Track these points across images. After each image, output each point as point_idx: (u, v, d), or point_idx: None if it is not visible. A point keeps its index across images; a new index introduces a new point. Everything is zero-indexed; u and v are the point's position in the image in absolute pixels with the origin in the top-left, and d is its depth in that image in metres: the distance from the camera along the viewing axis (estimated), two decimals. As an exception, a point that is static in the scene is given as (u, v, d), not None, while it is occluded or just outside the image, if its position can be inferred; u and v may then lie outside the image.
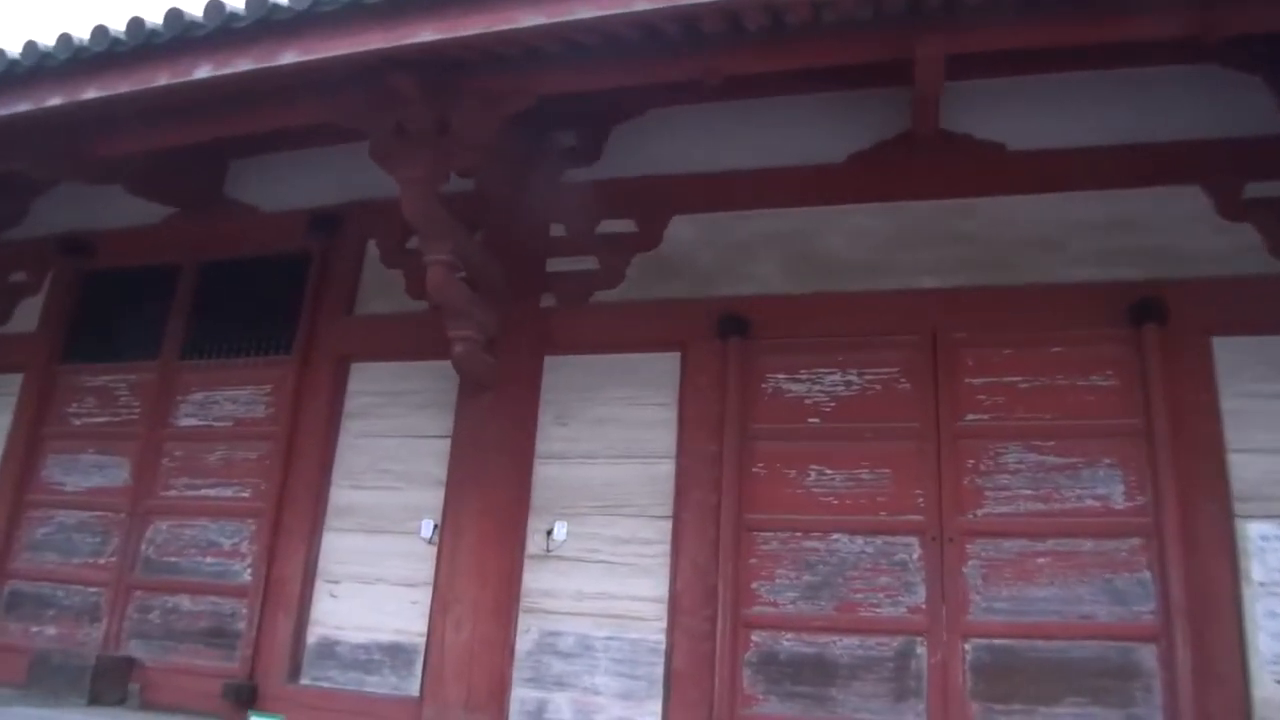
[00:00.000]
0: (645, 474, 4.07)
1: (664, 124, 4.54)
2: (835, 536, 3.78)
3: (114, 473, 4.89)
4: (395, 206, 4.65)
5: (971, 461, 3.74)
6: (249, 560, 4.45)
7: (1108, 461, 3.67)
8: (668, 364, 4.18)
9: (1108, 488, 3.65)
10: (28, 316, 5.49)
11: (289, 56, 3.33)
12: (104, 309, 5.32)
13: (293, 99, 3.79)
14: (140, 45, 3.53)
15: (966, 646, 3.55)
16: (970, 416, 3.80)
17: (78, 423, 5.10)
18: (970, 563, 3.64)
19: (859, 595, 3.69)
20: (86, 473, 4.96)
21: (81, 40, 3.66)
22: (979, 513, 3.69)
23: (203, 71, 3.45)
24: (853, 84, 4.24)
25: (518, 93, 3.71)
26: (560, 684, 3.91)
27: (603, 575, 3.99)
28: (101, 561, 4.74)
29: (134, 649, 4.51)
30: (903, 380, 3.91)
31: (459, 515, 4.12)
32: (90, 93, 3.63)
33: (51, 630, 4.72)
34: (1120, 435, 3.68)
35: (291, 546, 4.36)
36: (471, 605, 3.97)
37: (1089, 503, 3.64)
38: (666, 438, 4.09)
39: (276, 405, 4.65)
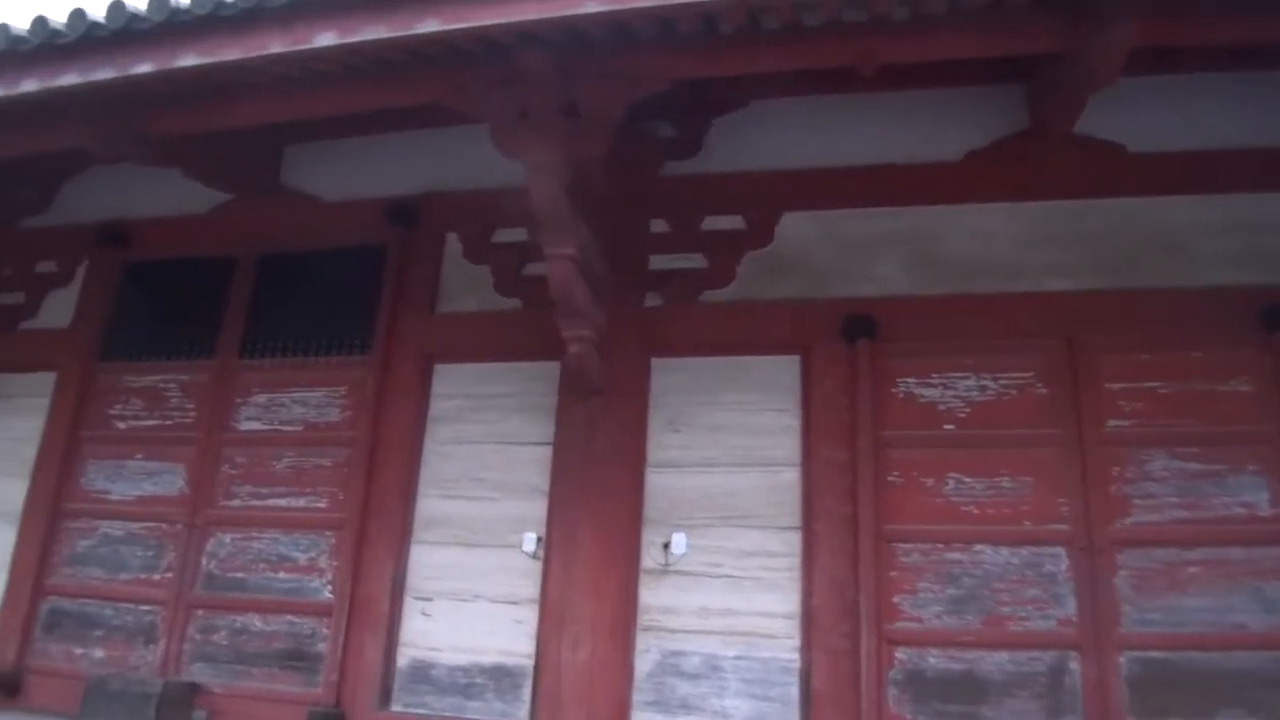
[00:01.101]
0: (767, 483, 3.87)
1: (768, 117, 4.35)
2: (979, 547, 3.62)
3: (167, 480, 4.50)
4: (478, 198, 4.50)
5: (1117, 469, 3.62)
6: (328, 576, 4.12)
7: (1252, 468, 3.58)
8: (786, 367, 3.99)
9: (1253, 494, 3.56)
10: (59, 310, 5.04)
11: (430, 25, 3.04)
12: (147, 303, 4.91)
13: (404, 77, 3.51)
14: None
15: (1121, 659, 3.43)
16: (1112, 423, 3.68)
17: (122, 426, 4.69)
18: (1120, 573, 3.51)
19: (1006, 609, 3.54)
20: (134, 480, 4.55)
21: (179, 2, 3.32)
22: (1127, 521, 3.57)
23: (326, 39, 3.15)
24: (969, 81, 4.14)
25: (650, 75, 3.48)
26: (686, 707, 3.67)
27: (728, 590, 3.77)
28: (156, 577, 4.35)
29: (198, 673, 4.13)
30: (1039, 385, 3.77)
31: (569, 527, 3.86)
32: (189, 59, 3.30)
33: (99, 653, 4.31)
34: (1261, 442, 3.61)
35: (377, 561, 4.04)
36: (590, 624, 3.71)
37: (1236, 510, 3.55)
38: (788, 444, 3.89)
39: (354, 409, 4.32)
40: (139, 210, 5.08)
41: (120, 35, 3.41)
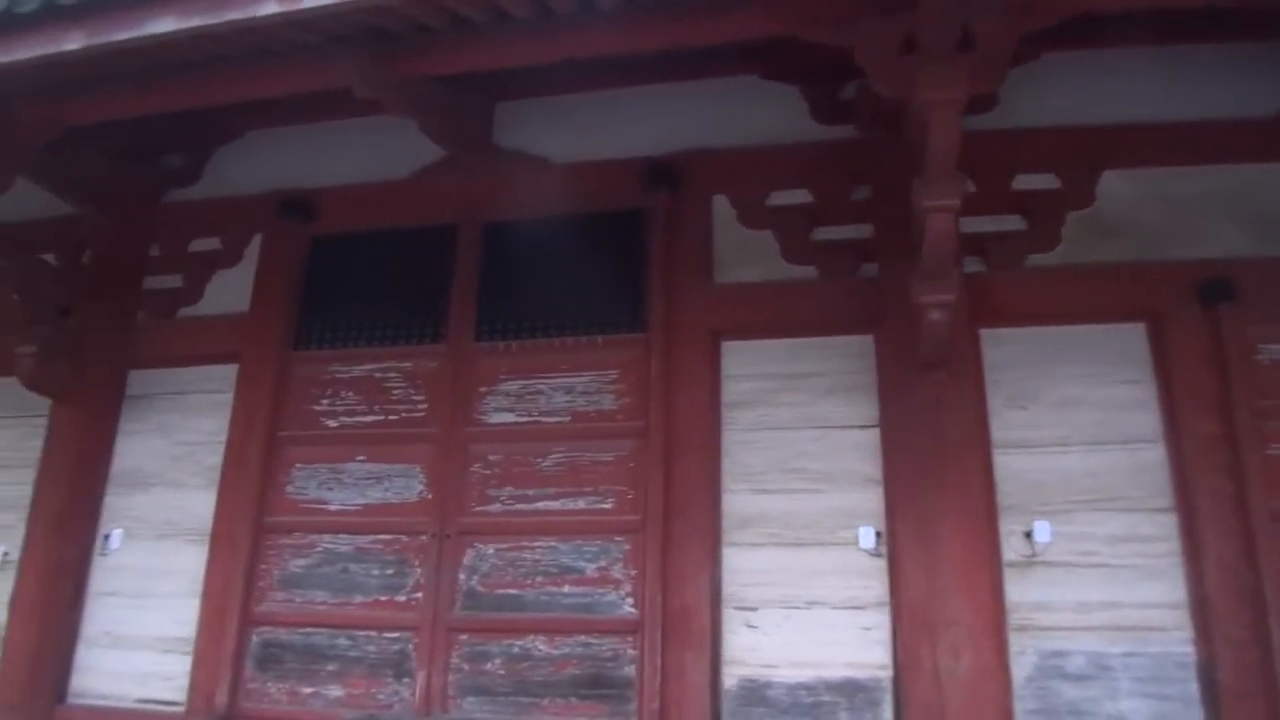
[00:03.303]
0: (1130, 461, 3.49)
1: (1063, 70, 4.02)
2: (1381, 523, 3.34)
3: (401, 484, 3.86)
4: (748, 156, 4.03)
5: None
6: (627, 588, 3.56)
7: None
8: (1131, 335, 3.63)
9: None
10: (229, 294, 4.35)
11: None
12: (346, 282, 4.25)
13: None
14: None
15: None
16: None
17: (333, 424, 4.02)
18: None
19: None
20: (358, 486, 3.90)
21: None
22: None
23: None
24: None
25: (1045, 6, 3.11)
26: (1076, 713, 3.25)
27: (1104, 581, 3.37)
28: (401, 599, 3.71)
29: (471, 708, 3.52)
30: None
31: (921, 520, 3.40)
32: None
33: (335, 690, 3.65)
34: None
35: (688, 568, 3.51)
36: (967, 627, 3.27)
37: None
38: (1147, 419, 3.53)
39: (632, 394, 3.78)
40: (316, 179, 4.42)
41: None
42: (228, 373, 4.20)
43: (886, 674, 3.36)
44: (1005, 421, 3.58)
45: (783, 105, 4.09)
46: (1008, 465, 3.53)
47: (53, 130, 3.81)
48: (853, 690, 3.37)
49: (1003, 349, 3.67)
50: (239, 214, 4.45)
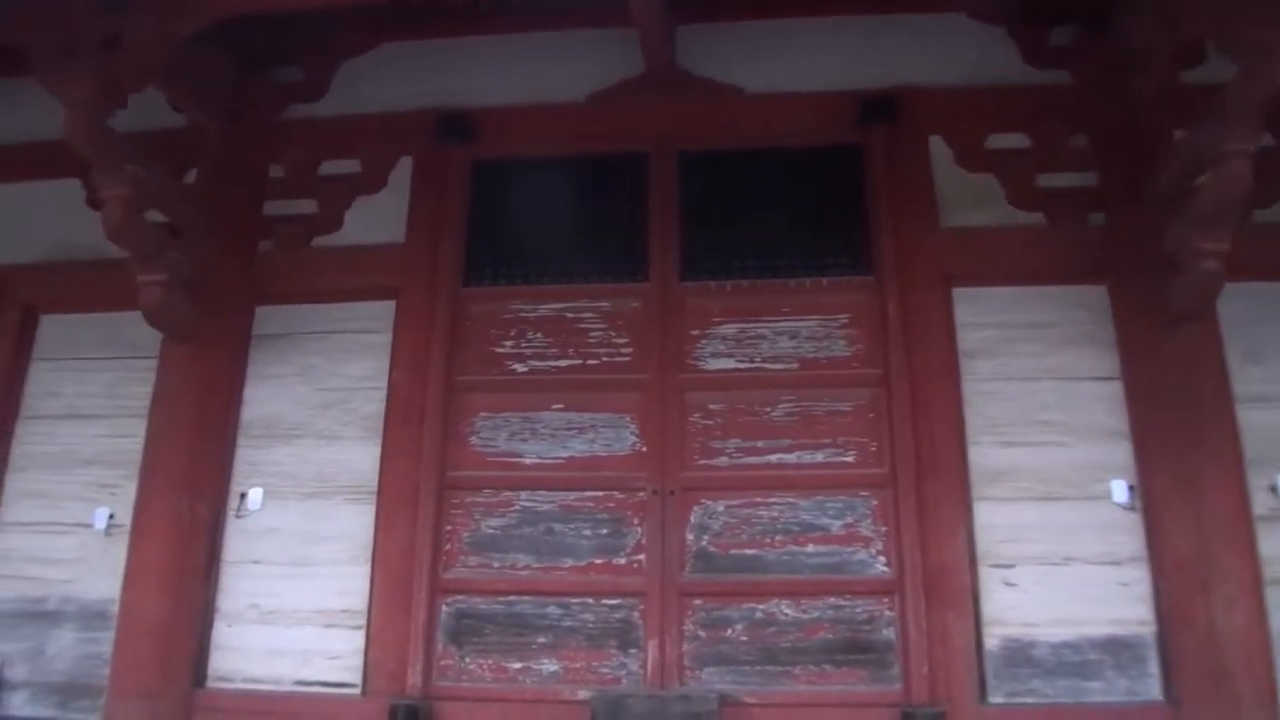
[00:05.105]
0: (1369, 413, 3.52)
1: None
2: None
3: (608, 436, 3.48)
4: (967, 96, 3.82)
5: None
6: (877, 545, 3.31)
7: None
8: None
9: None
10: (374, 222, 3.83)
11: None
12: (517, 211, 3.80)
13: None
14: None
15: None
16: None
17: (521, 368, 3.58)
18: None
19: None
20: (558, 438, 3.49)
21: None
22: None
23: None
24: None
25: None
26: (1333, 666, 3.26)
27: (1351, 533, 3.39)
28: (620, 561, 3.34)
29: (711, 679, 3.21)
30: None
31: (1177, 473, 3.28)
32: None
33: (550, 665, 3.25)
34: None
35: (942, 525, 3.30)
36: (1238, 582, 3.19)
37: None
38: (1380, 370, 3.57)
39: (864, 340, 3.52)
40: (468, 98, 3.94)
41: None
42: (382, 310, 3.70)
43: (1149, 630, 3.25)
44: (1243, 376, 3.53)
45: (991, 46, 3.90)
46: (1248, 419, 3.47)
47: (194, 23, 3.23)
48: (1117, 647, 3.24)
49: (1234, 303, 3.62)
50: (380, 133, 3.92)
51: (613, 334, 3.60)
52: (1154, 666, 3.23)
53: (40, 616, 3.56)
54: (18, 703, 3.47)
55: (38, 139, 4.07)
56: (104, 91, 3.15)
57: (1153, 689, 3.21)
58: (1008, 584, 3.32)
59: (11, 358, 3.84)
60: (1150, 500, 3.34)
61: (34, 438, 3.78)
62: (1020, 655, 3.26)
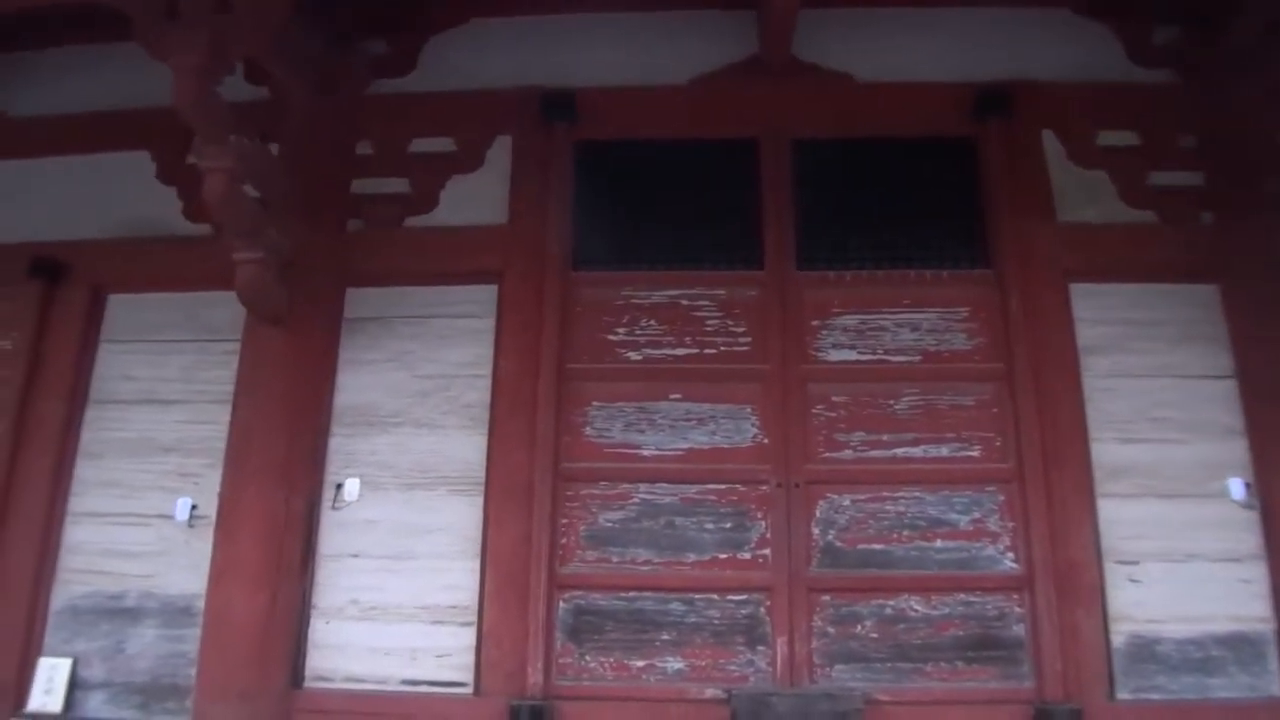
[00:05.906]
0: None
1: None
2: None
3: (729, 427, 3.38)
4: (1074, 92, 3.81)
5: None
6: (1005, 541, 3.27)
7: None
8: None
9: None
10: (476, 202, 3.67)
11: None
12: (623, 194, 3.67)
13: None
14: None
15: None
16: None
17: (635, 356, 3.46)
18: None
19: None
20: (676, 428, 3.38)
21: None
22: None
23: None
24: None
25: None
26: None
27: None
28: (745, 556, 3.24)
29: (842, 677, 3.13)
30: None
31: (1289, 471, 3.34)
32: None
33: (675, 662, 3.14)
34: None
35: (1069, 521, 3.26)
36: (1357, 580, 3.23)
37: None
38: None
39: (985, 334, 3.47)
40: (566, 77, 3.79)
41: None
42: (484, 294, 3.55)
43: (1268, 627, 3.26)
44: (1349, 375, 3.59)
45: (1096, 43, 3.89)
46: (1354, 418, 3.54)
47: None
48: (1240, 644, 3.25)
49: (1332, 303, 3.67)
50: (476, 111, 3.75)
51: (730, 323, 3.50)
52: (1274, 664, 3.25)
53: (119, 613, 3.34)
54: (95, 704, 3.25)
55: (99, 109, 3.86)
56: (214, 56, 2.95)
57: (1272, 685, 3.22)
58: (1132, 580, 3.30)
59: (80, 340, 3.59)
60: (1268, 498, 3.36)
61: (107, 423, 3.55)
62: (1145, 652, 3.24)
